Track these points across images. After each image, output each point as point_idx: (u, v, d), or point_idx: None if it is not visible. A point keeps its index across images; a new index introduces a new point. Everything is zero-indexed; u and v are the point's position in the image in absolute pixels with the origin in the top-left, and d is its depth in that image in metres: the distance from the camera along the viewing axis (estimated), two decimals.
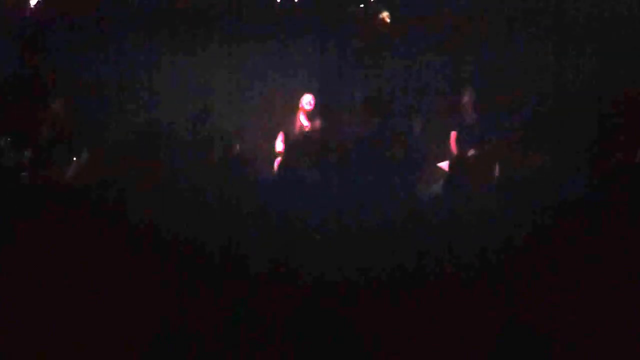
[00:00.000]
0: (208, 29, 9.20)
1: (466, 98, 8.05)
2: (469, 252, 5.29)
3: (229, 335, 4.91)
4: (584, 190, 5.50)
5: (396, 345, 4.97)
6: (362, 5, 9.38)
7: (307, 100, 9.16)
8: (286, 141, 8.36)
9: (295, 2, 9.80)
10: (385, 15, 9.01)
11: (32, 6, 8.82)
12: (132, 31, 8.99)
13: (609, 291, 5.06)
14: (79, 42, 8.57)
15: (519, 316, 5.06)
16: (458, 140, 8.00)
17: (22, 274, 5.10)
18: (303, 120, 9.07)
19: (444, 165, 7.08)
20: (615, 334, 4.96)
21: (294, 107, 9.08)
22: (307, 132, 8.52)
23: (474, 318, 5.03)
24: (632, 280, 5.09)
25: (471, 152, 7.34)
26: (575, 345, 4.91)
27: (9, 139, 6.94)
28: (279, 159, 7.74)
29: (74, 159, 6.71)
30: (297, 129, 8.90)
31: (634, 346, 4.95)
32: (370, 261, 5.25)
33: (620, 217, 5.31)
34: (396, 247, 5.32)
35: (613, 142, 5.84)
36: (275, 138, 8.49)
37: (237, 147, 7.07)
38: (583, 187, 5.51)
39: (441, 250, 5.30)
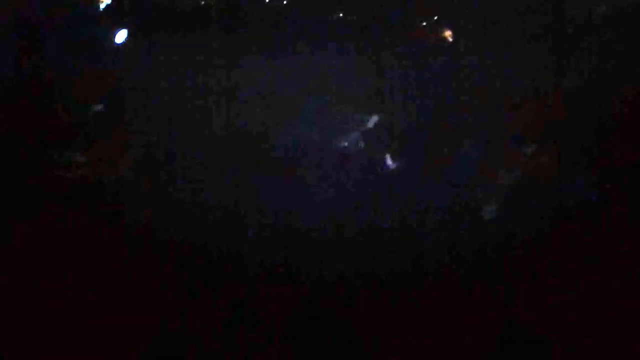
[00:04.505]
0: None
1: None
2: (468, 253, 5.28)
3: (227, 336, 4.92)
4: (584, 190, 5.49)
5: (396, 346, 4.97)
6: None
7: None
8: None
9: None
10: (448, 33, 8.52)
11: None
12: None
13: (609, 291, 5.06)
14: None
15: (519, 317, 5.06)
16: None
17: (21, 274, 5.10)
18: None
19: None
20: (615, 334, 4.96)
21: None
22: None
23: (474, 318, 5.04)
24: (632, 281, 5.09)
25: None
26: (575, 346, 4.91)
27: None
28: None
29: None
30: None
31: (634, 346, 4.94)
32: (370, 262, 5.24)
33: (621, 217, 5.30)
34: (396, 248, 5.31)
35: (613, 142, 5.83)
36: None
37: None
38: (583, 187, 5.50)
39: (441, 251, 5.30)
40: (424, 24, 6.91)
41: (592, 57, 6.06)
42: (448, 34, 6.97)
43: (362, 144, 6.45)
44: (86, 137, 6.33)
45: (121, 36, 6.87)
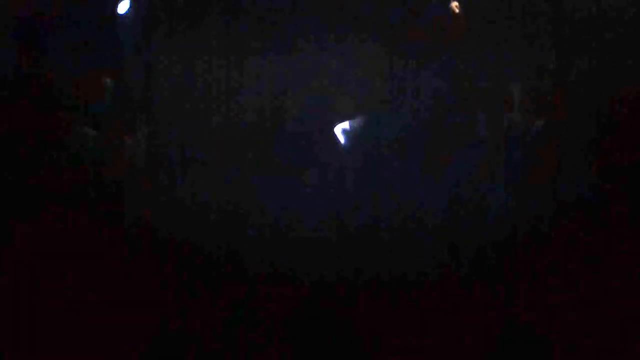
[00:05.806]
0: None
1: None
2: (468, 253, 5.28)
3: (227, 336, 4.91)
4: (584, 190, 5.49)
5: (396, 346, 4.97)
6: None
7: None
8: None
9: None
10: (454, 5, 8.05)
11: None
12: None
13: (609, 291, 5.05)
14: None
15: (519, 317, 5.06)
16: None
17: (21, 274, 5.10)
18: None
19: None
20: (615, 334, 4.96)
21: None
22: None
23: (474, 318, 5.03)
24: (632, 281, 5.09)
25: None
26: (575, 346, 4.91)
27: None
28: None
29: None
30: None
31: (634, 346, 4.94)
32: (370, 262, 5.24)
33: (621, 217, 5.30)
34: (396, 248, 5.31)
35: (613, 142, 5.83)
36: None
37: None
38: (583, 186, 5.50)
39: (441, 251, 5.30)
40: (424, 23, 6.93)
41: (592, 57, 6.07)
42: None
43: (362, 144, 6.46)
44: (86, 137, 6.34)
45: (124, 6, 6.86)
